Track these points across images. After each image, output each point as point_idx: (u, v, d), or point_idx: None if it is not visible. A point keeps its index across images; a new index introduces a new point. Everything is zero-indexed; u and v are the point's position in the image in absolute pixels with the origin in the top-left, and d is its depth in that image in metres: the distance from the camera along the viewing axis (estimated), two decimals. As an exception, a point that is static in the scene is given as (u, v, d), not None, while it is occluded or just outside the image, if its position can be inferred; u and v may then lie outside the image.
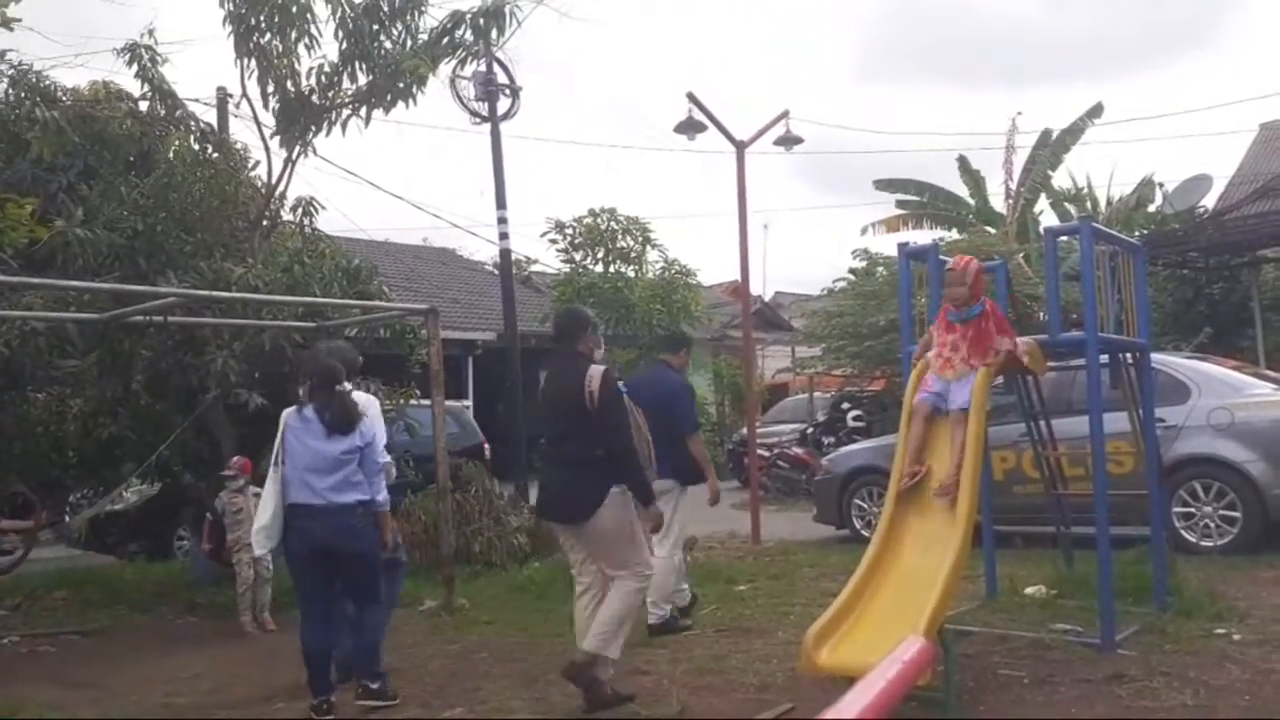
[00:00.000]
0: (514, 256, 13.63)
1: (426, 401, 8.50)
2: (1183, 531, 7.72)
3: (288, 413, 4.92)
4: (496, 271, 24.24)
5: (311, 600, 4.84)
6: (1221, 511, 7.72)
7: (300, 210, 9.11)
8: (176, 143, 8.61)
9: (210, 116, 9.52)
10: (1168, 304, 15.47)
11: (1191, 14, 73.39)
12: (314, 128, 8.37)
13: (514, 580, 7.93)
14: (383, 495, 4.92)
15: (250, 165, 9.14)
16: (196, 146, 8.65)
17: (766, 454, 13.71)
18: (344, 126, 8.37)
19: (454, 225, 61.66)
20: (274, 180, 8.62)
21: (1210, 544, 7.65)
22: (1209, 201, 16.20)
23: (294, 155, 8.55)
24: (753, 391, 10.57)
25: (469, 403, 16.85)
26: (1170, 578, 5.98)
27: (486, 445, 12.85)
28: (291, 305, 7.91)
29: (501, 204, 12.40)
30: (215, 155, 8.65)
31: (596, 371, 4.57)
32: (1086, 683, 4.52)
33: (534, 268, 23.12)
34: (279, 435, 4.89)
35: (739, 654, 5.39)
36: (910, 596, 4.26)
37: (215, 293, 7.05)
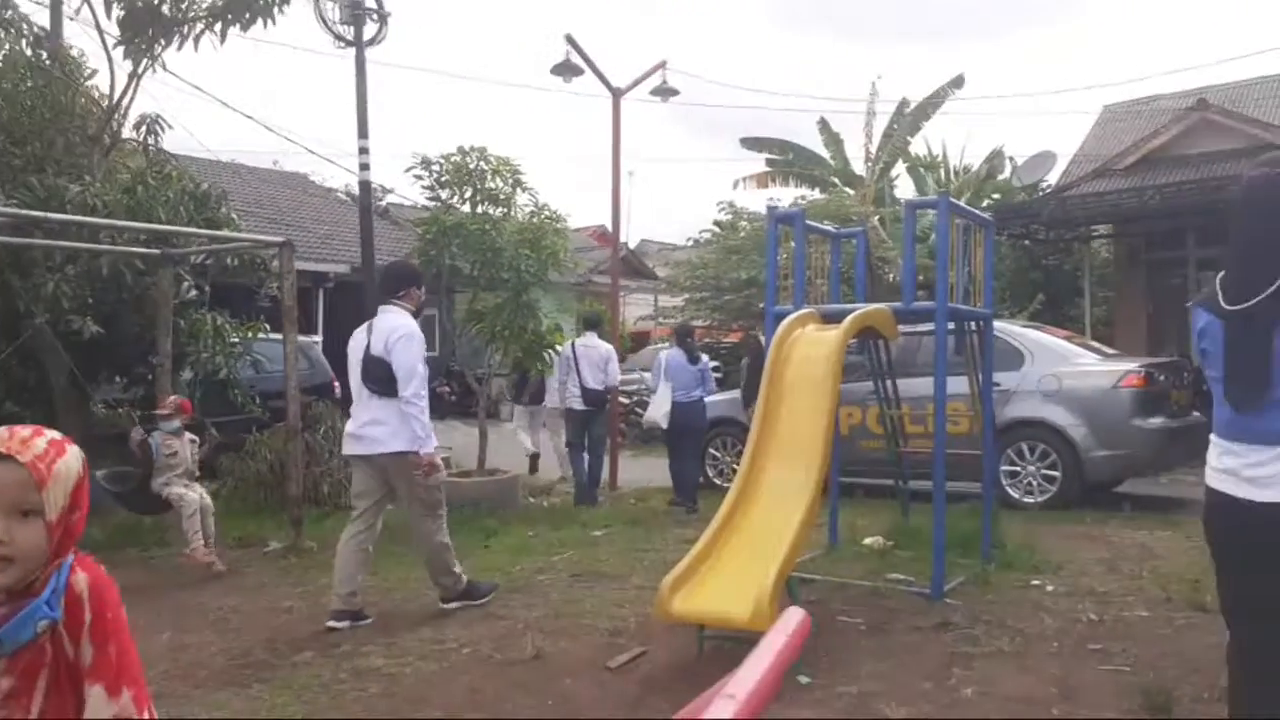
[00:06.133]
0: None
1: (276, 335, 8.21)
2: (1008, 488, 8.28)
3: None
4: (350, 199, 23.41)
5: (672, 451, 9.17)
6: (1044, 471, 8.31)
7: (145, 128, 8.54)
8: (7, 46, 7.90)
9: (43, 19, 8.76)
10: (1006, 271, 16.37)
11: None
12: (163, 41, 7.82)
13: (366, 522, 7.79)
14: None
15: (87, 74, 8.49)
16: (29, 52, 7.96)
17: (626, 400, 13.87)
18: (196, 41, 7.86)
19: (310, 151, 59.14)
20: (117, 94, 8.04)
21: (1032, 500, 8.24)
22: (1052, 177, 17.15)
23: (140, 69, 7.98)
24: (617, 338, 10.64)
25: (319, 338, 16.28)
26: (994, 532, 6.41)
27: (336, 383, 12.49)
28: (133, 230, 7.44)
29: (364, 133, 11.92)
30: (49, 62, 7.99)
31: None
32: (917, 630, 4.81)
33: (390, 198, 22.41)
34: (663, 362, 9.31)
35: (593, 599, 5.49)
36: (762, 547, 4.43)
37: (49, 214, 6.54)
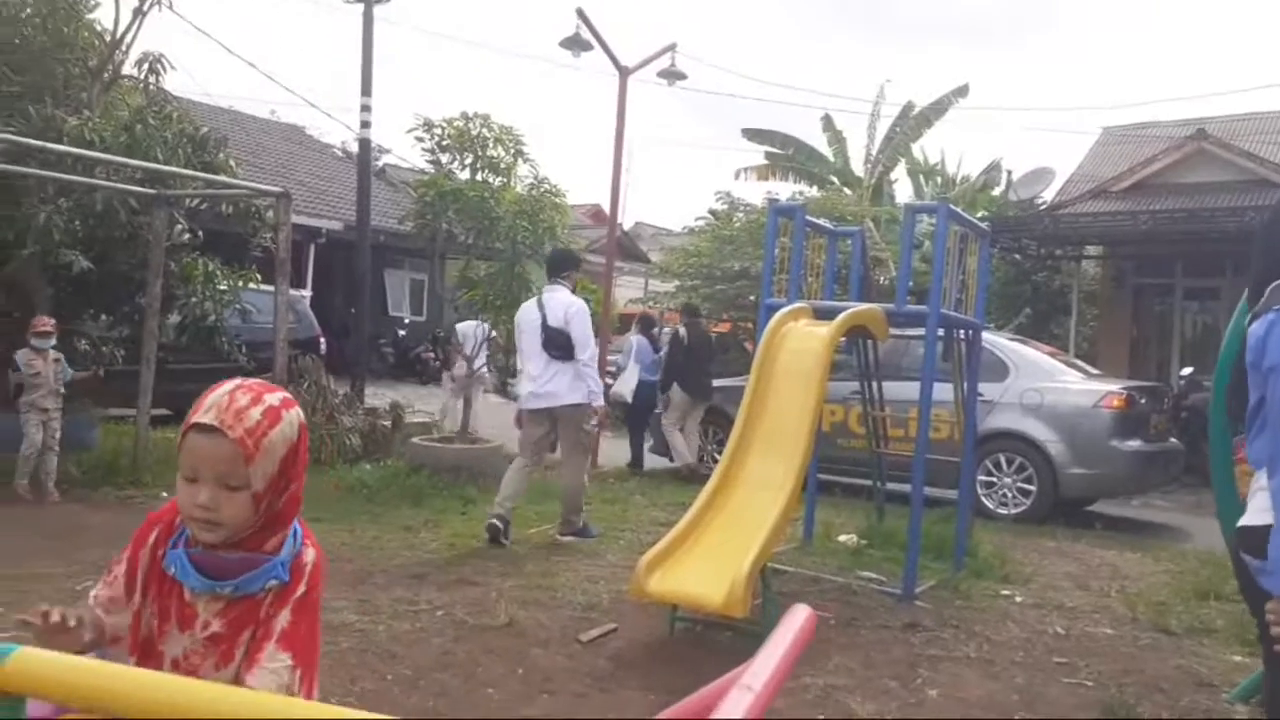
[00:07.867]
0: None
1: (266, 287, 8.15)
2: (983, 498, 8.35)
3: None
4: (345, 155, 23.18)
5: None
6: (1019, 484, 8.39)
7: (147, 66, 8.44)
8: (10, -30, 7.79)
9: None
10: (994, 284, 16.46)
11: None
12: (172, -23, 7.73)
13: (343, 480, 7.79)
14: None
15: (90, 5, 8.39)
16: (32, -23, 7.85)
17: (611, 381, 13.88)
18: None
19: (310, 104, 58.70)
20: (120, 29, 7.93)
21: (1005, 512, 8.32)
22: (1048, 194, 17.22)
23: (145, 5, 7.88)
24: (608, 319, 10.65)
25: (307, 293, 16.20)
26: (967, 540, 6.47)
27: (322, 339, 12.48)
28: (130, 168, 7.36)
29: (367, 90, 11.86)
30: (53, -10, 7.88)
31: None
32: (885, 628, 4.87)
33: (386, 159, 22.26)
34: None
35: (568, 573, 5.52)
36: (740, 534, 4.46)
37: (47, 143, 6.47)
